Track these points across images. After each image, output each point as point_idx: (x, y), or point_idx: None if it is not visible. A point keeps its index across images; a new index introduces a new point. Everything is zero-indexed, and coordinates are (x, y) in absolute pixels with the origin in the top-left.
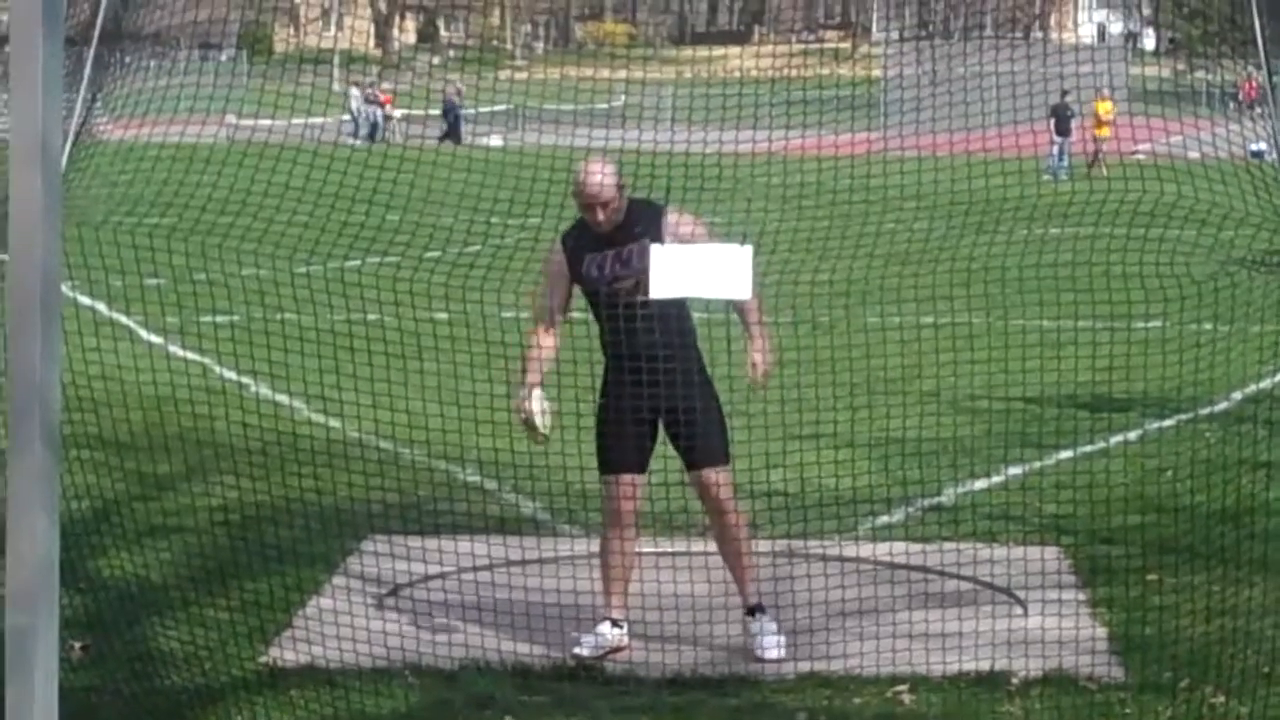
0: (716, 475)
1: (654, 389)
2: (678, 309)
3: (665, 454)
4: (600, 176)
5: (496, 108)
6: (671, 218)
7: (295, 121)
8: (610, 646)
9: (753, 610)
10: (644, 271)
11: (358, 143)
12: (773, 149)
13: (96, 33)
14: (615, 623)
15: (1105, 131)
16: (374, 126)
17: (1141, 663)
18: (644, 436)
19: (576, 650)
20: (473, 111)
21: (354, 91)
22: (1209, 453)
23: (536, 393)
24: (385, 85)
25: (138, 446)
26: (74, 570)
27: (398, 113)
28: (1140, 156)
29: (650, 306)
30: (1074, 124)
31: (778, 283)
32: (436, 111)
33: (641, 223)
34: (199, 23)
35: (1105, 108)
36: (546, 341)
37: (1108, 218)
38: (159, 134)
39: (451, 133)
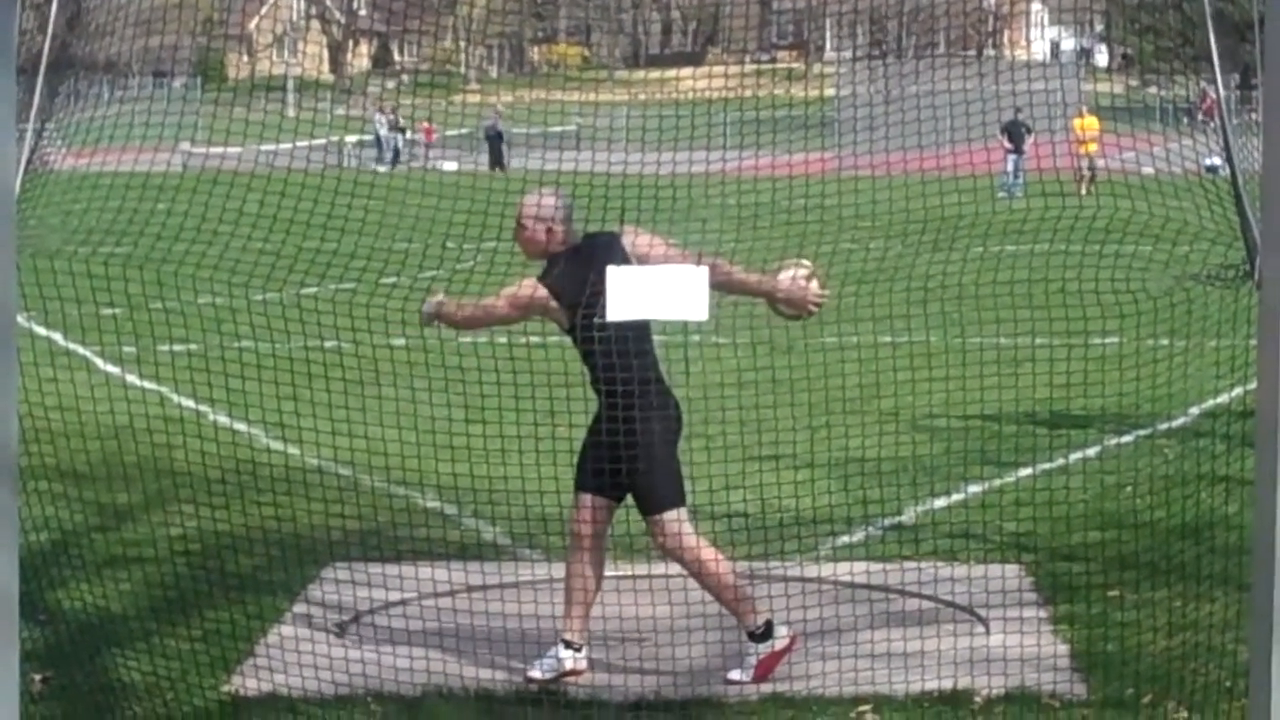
0: (658, 523)
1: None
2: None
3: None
4: (530, 202)
5: (449, 132)
6: (628, 239)
7: (249, 148)
8: (565, 670)
9: (752, 635)
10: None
11: (382, 168)
12: (727, 169)
13: (44, 61)
14: (570, 645)
15: (1093, 147)
16: (396, 152)
17: (1104, 679)
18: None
19: (531, 672)
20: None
21: (379, 117)
22: (1168, 468)
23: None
24: (392, 109)
25: (96, 477)
26: (34, 602)
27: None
28: (1095, 173)
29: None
30: (1028, 141)
31: (734, 303)
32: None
33: (599, 254)
34: (150, 50)
35: (1086, 123)
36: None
37: (1063, 234)
38: (112, 162)
39: (495, 158)
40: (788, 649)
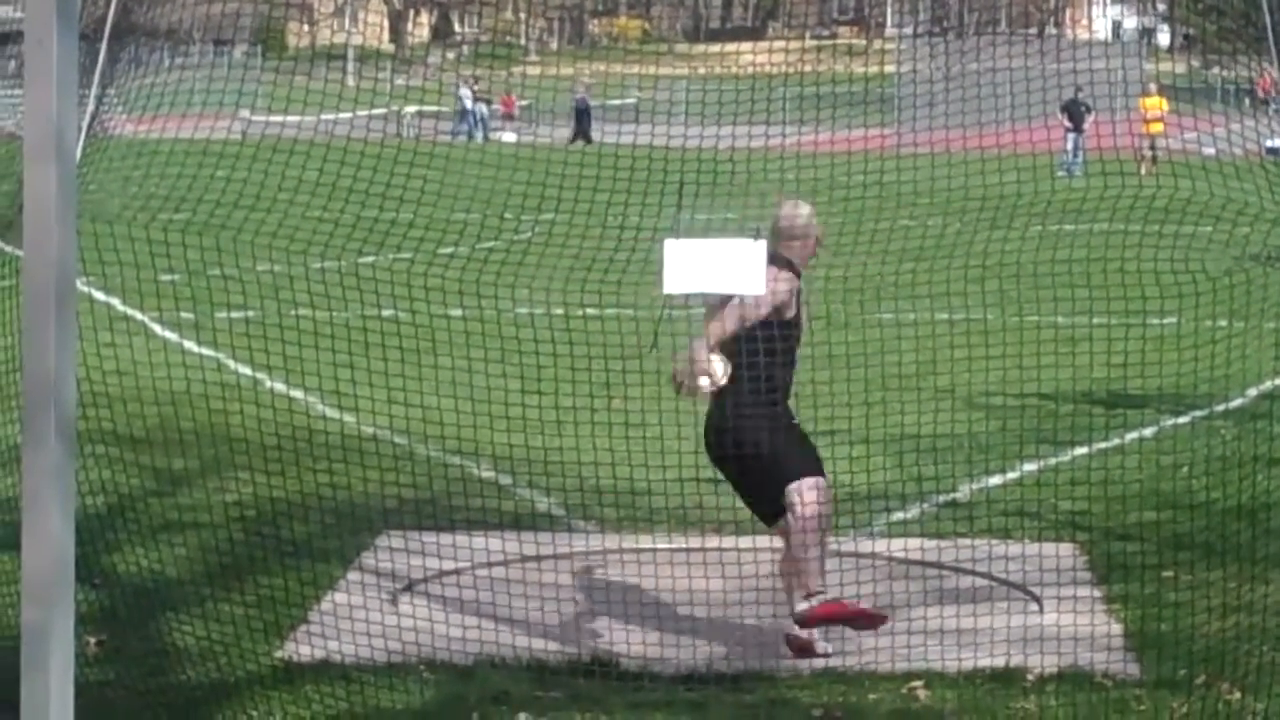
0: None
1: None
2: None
3: (681, 449)
4: (806, 213)
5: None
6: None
7: (309, 116)
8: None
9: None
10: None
11: (466, 139)
12: (786, 145)
13: (109, 28)
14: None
15: (1158, 128)
16: (483, 123)
17: (1157, 659)
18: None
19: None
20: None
21: (464, 90)
22: (1224, 449)
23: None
24: (477, 84)
25: (153, 442)
26: (89, 566)
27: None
28: (1155, 153)
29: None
30: (1088, 120)
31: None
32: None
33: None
34: (211, 17)
35: (1151, 103)
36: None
37: (1122, 214)
38: (172, 129)
39: (581, 131)
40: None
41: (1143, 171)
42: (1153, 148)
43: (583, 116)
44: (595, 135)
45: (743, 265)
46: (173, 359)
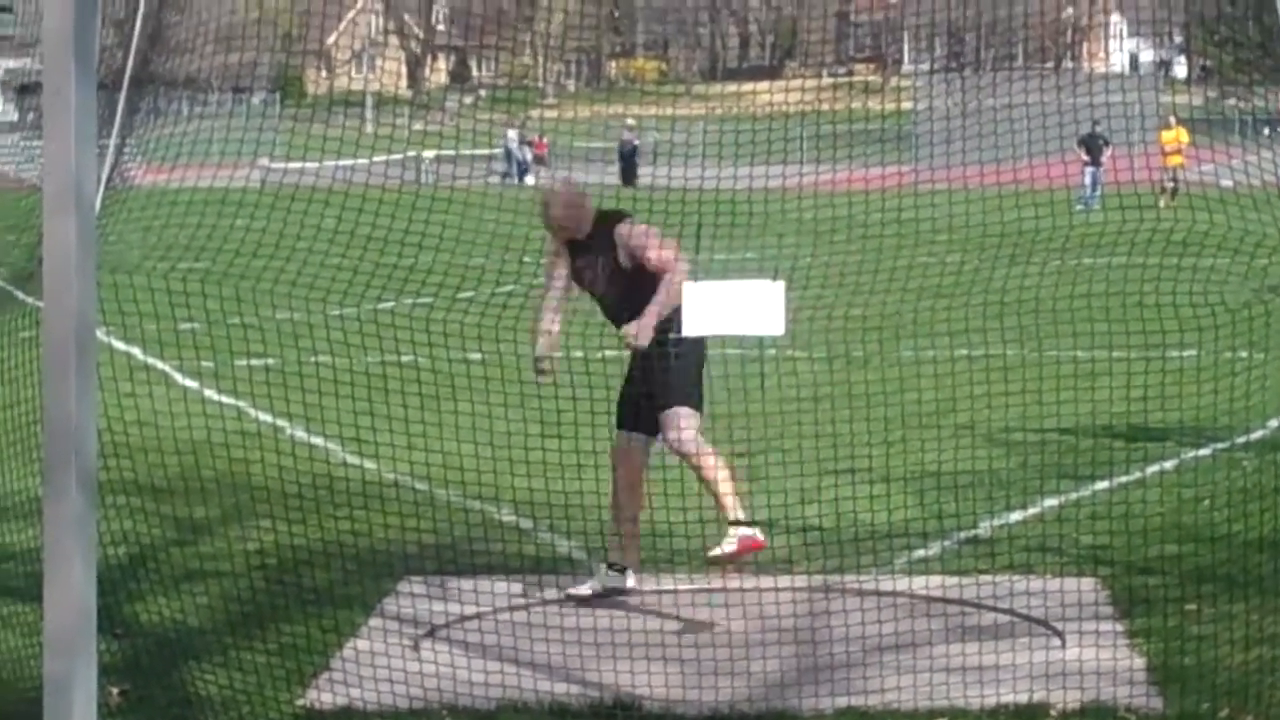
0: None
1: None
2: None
3: (701, 491)
4: (552, 207)
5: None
6: (622, 229)
7: (328, 163)
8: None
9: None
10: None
11: (512, 182)
12: (804, 183)
13: (127, 78)
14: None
15: (1178, 160)
16: (525, 166)
17: (1180, 693)
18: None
19: (572, 590)
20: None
21: (510, 133)
22: (1246, 481)
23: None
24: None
25: (174, 491)
26: (111, 616)
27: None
28: (1174, 185)
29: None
30: (1106, 154)
31: (810, 318)
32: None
33: (599, 237)
34: (230, 66)
35: (1170, 136)
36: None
37: (1141, 247)
38: (192, 178)
39: (627, 173)
40: (760, 544)
41: (1162, 204)
42: (1174, 180)
43: (629, 159)
44: (613, 178)
45: (762, 305)
46: (193, 408)
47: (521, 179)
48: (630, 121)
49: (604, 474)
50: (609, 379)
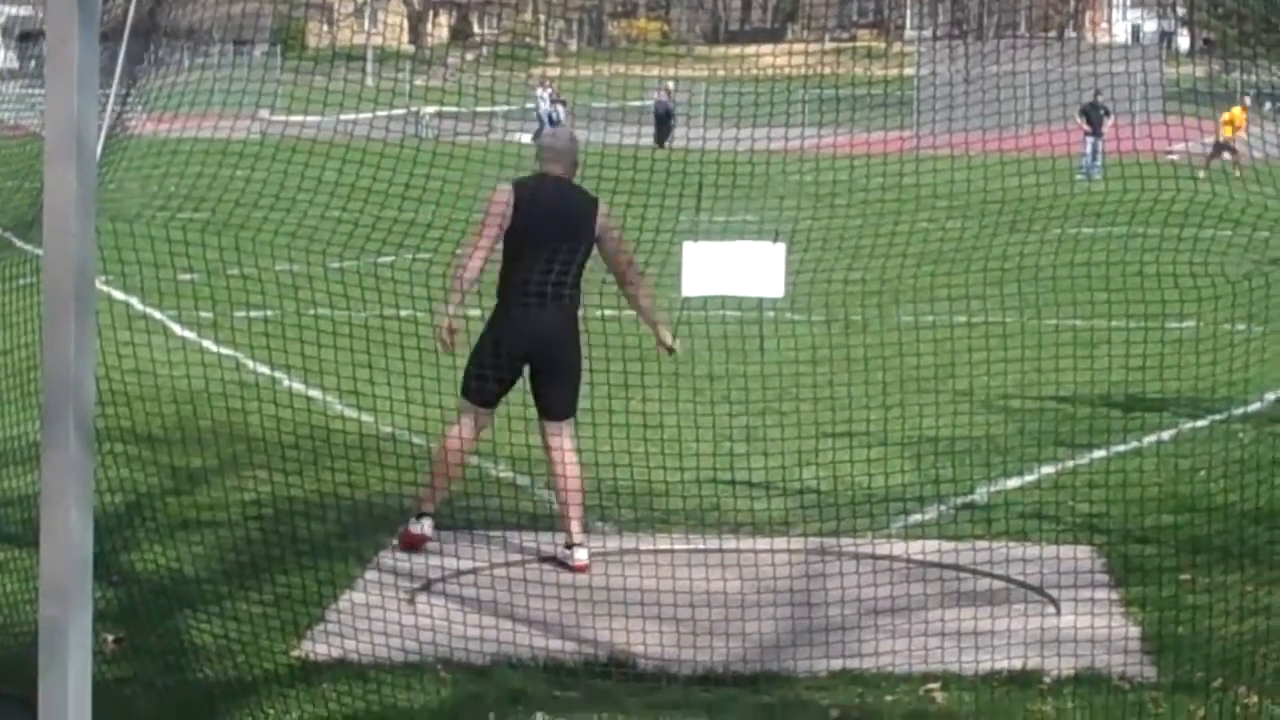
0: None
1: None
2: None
3: (699, 452)
4: (565, 157)
5: (529, 105)
6: (603, 208)
7: (328, 116)
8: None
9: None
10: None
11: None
12: (805, 147)
13: (129, 27)
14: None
15: (1230, 132)
16: (555, 125)
17: (1174, 662)
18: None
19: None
20: (505, 108)
21: (541, 92)
22: (1242, 452)
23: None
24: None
25: (171, 441)
26: (107, 564)
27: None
28: (1175, 156)
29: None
30: (1107, 124)
31: (810, 281)
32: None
33: (583, 201)
34: (232, 17)
35: (1237, 112)
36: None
37: (1141, 217)
38: (192, 128)
39: (662, 133)
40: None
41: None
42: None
43: (664, 121)
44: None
45: (762, 267)
46: (191, 358)
47: None
48: (669, 84)
49: (600, 431)
50: (607, 337)
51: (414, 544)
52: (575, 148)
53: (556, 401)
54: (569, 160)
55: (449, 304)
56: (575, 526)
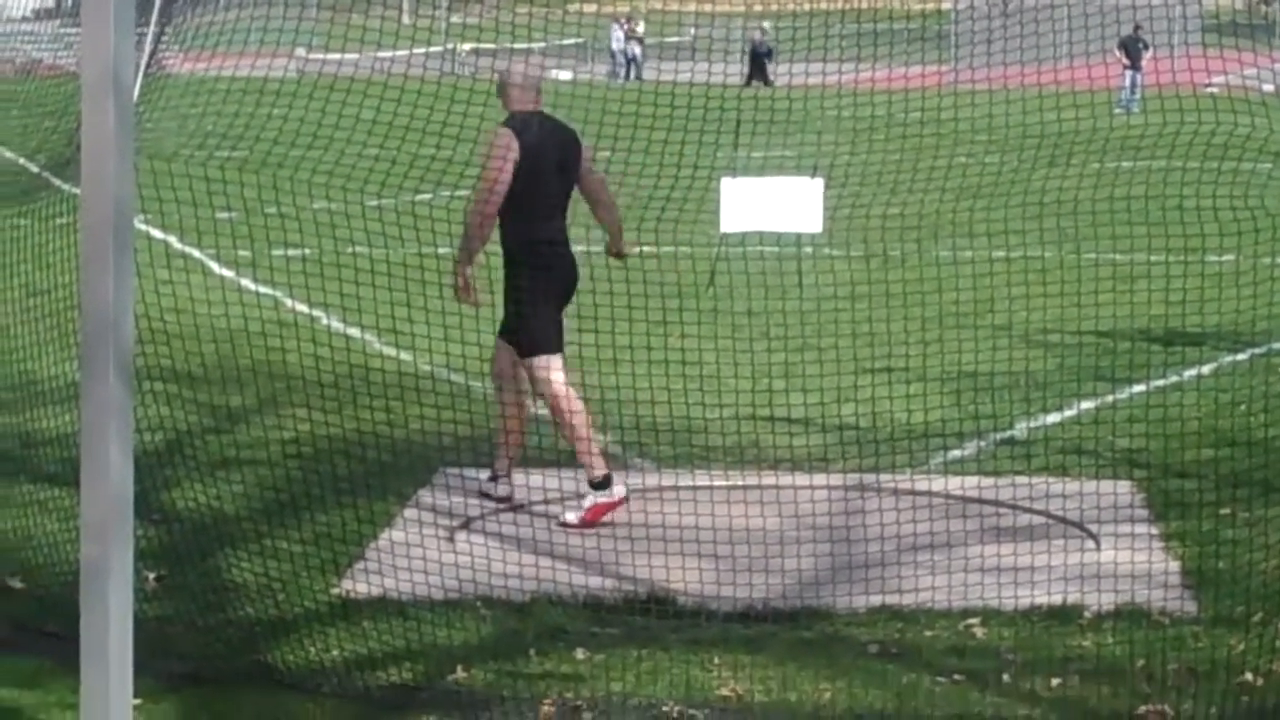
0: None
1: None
2: None
3: (737, 387)
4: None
5: (566, 41)
6: (584, 140)
7: (365, 54)
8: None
9: (592, 483)
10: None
11: (618, 82)
12: (843, 82)
13: None
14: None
15: None
16: (631, 63)
17: (1214, 596)
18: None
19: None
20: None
21: (615, 29)
22: None
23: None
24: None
25: (210, 379)
26: (148, 502)
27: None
28: (1214, 90)
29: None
30: (1145, 57)
31: (848, 216)
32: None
33: (571, 136)
34: None
35: None
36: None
37: (1180, 151)
38: (229, 67)
39: (759, 73)
40: (619, 502)
41: None
42: None
43: (761, 60)
44: (651, 74)
45: (800, 203)
46: (230, 296)
47: (629, 76)
48: (766, 25)
49: (639, 368)
50: (645, 273)
51: (601, 514)
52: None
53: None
54: (537, 92)
55: (468, 258)
56: (594, 467)
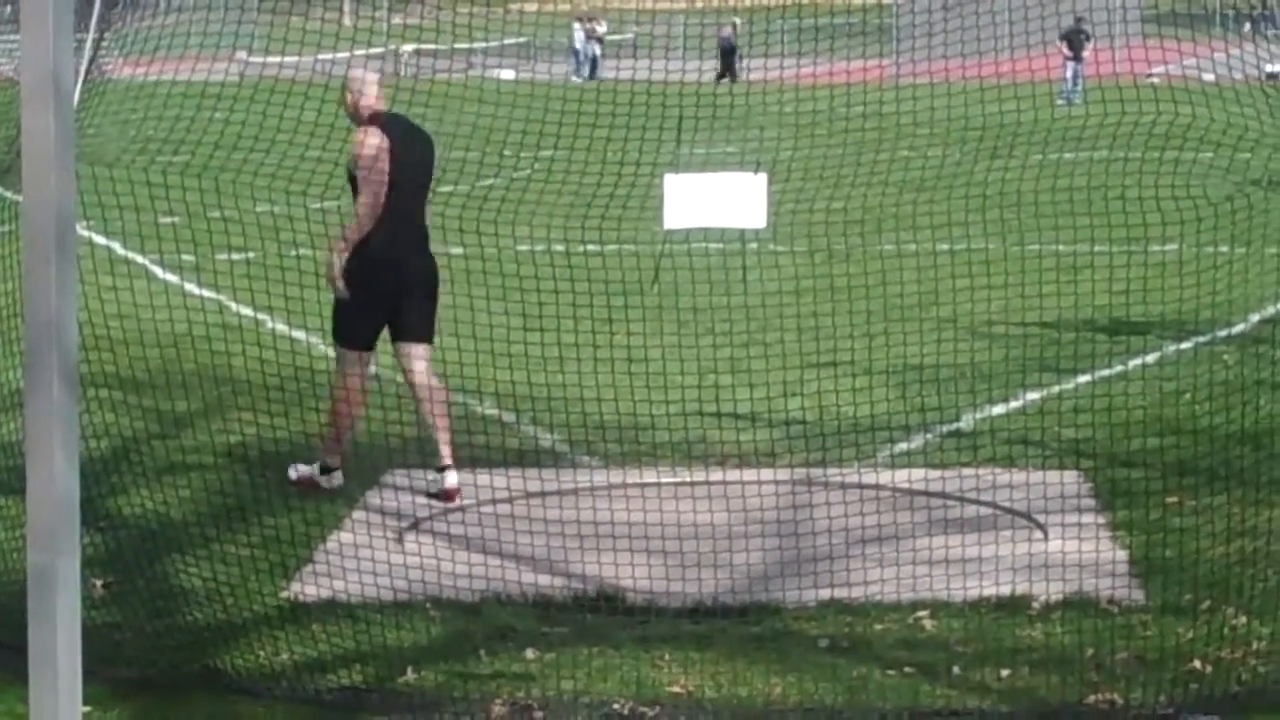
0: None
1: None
2: None
3: (683, 383)
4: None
5: (508, 40)
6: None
7: (306, 57)
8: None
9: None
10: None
11: (578, 80)
12: (785, 77)
13: None
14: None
15: None
16: (594, 63)
17: (1162, 585)
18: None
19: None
20: (483, 44)
21: (577, 27)
22: (1227, 374)
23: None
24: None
25: (156, 384)
26: (94, 508)
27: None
28: (1155, 80)
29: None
30: (1087, 48)
31: (792, 211)
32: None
33: (427, 138)
34: None
35: None
36: None
37: (1122, 141)
38: (169, 71)
39: (729, 70)
40: (323, 490)
41: None
42: None
43: (728, 55)
44: (609, 73)
45: (743, 198)
46: (174, 301)
47: (592, 74)
48: (736, 20)
49: (586, 366)
50: (590, 271)
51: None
52: None
53: (426, 324)
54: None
55: (341, 254)
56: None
